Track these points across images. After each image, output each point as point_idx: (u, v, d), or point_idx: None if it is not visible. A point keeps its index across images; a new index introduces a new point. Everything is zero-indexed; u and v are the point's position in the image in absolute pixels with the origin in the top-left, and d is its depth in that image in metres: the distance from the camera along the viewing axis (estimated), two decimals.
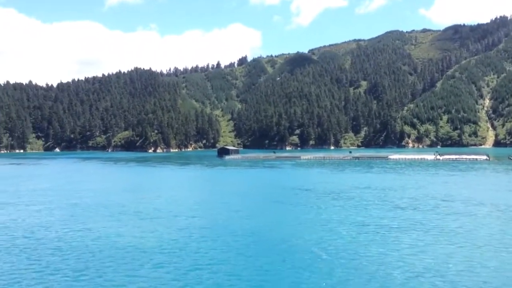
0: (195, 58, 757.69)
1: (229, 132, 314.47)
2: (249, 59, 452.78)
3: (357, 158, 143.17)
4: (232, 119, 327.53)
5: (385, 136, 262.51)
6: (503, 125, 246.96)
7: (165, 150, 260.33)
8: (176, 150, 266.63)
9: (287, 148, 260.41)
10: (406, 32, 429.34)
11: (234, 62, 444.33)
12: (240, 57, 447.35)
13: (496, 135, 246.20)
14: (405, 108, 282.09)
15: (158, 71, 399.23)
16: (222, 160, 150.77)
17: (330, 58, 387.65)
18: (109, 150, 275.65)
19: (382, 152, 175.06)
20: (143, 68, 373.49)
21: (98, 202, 53.02)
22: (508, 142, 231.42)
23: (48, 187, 71.79)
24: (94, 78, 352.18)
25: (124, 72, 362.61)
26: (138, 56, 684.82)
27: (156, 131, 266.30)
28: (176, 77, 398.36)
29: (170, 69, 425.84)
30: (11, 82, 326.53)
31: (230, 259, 28.00)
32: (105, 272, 25.72)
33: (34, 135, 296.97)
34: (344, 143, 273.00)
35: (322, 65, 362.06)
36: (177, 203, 51.77)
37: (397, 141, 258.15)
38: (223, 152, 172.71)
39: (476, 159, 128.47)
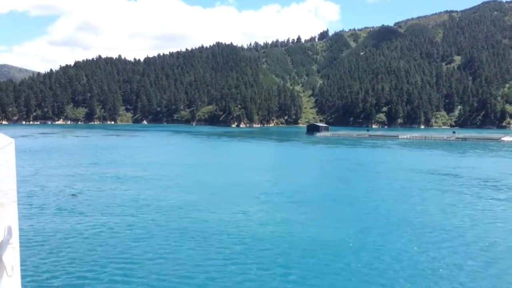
0: (273, 33, 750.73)
1: (310, 108, 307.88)
2: (324, 33, 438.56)
3: (464, 139, 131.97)
4: (313, 95, 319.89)
5: (483, 115, 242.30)
6: None
7: (248, 125, 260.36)
8: (259, 125, 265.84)
9: (374, 126, 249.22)
10: (506, 1, 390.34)
11: (315, 37, 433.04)
12: (321, 31, 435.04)
13: None
14: (507, 85, 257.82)
15: (239, 45, 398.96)
16: (315, 138, 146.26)
17: (419, 31, 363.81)
18: (193, 124, 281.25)
19: (490, 134, 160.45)
20: (225, 43, 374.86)
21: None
22: None
23: (170, 160, 71.80)
24: (178, 53, 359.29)
25: (206, 47, 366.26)
26: (219, 31, 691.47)
27: (239, 106, 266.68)
28: (256, 52, 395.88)
29: (250, 44, 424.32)
30: (103, 56, 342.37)
31: None
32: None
33: (123, 107, 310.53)
34: (436, 122, 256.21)
35: (411, 39, 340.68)
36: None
37: (497, 121, 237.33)
38: (313, 128, 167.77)
39: None
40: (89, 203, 37.57)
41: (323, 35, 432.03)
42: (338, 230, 29.85)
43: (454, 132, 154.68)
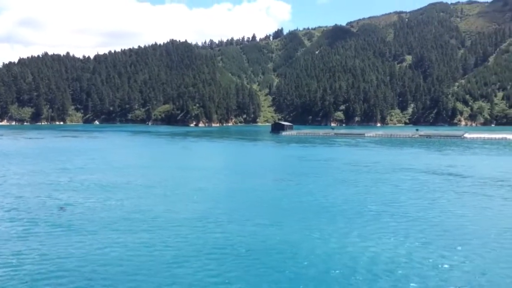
0: (225, 31, 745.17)
1: (268, 107, 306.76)
2: (278, 31, 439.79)
3: (428, 136, 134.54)
4: (270, 94, 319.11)
5: (435, 113, 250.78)
6: None
7: (207, 124, 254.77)
8: (218, 124, 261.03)
9: (332, 125, 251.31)
10: (451, 4, 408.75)
11: (269, 35, 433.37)
12: (276, 30, 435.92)
13: None
14: (456, 84, 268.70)
15: (193, 43, 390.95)
16: (282, 137, 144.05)
17: (371, 31, 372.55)
18: (149, 124, 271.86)
19: (452, 131, 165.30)
20: (179, 41, 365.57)
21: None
22: None
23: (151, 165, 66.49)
24: (130, 50, 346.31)
25: (160, 44, 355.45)
26: (170, 28, 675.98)
27: (197, 105, 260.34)
28: (211, 50, 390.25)
29: (205, 42, 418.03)
30: (49, 53, 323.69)
31: None
32: None
33: (73, 107, 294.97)
34: (391, 120, 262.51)
35: (364, 38, 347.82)
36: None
37: (448, 118, 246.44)
38: (278, 127, 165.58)
39: None
40: (86, 218, 32.51)
41: (278, 33, 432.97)
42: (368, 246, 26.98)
43: (417, 130, 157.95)
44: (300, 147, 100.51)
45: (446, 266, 23.35)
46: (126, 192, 42.68)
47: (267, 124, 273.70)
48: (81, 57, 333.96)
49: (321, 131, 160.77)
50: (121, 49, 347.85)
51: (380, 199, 40.39)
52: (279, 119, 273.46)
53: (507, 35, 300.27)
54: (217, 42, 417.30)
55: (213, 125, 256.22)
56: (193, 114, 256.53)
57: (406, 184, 48.67)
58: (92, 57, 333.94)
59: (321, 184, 48.98)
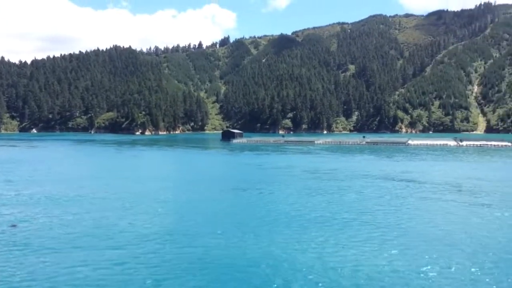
0: (169, 38, 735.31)
1: (216, 114, 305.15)
2: (225, 39, 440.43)
3: (375, 143, 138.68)
4: (218, 101, 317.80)
5: (378, 121, 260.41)
6: (493, 111, 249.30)
7: (153, 132, 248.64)
8: (165, 132, 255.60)
9: (280, 132, 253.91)
10: (390, 16, 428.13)
11: (216, 43, 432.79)
12: (223, 38, 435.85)
13: (488, 121, 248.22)
14: (397, 93, 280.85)
15: (138, 49, 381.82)
16: (233, 144, 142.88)
17: (315, 40, 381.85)
18: (92, 132, 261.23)
19: (396, 138, 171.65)
20: (123, 46, 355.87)
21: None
22: (501, 128, 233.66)
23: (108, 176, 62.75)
24: (71, 55, 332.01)
25: (102, 50, 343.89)
26: (112, 34, 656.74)
27: (143, 113, 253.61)
28: (157, 57, 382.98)
29: (150, 48, 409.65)
30: None
31: None
32: None
33: (8, 115, 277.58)
34: (336, 127, 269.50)
35: (309, 48, 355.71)
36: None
37: (390, 126, 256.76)
38: (229, 135, 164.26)
39: (501, 145, 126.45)
40: (44, 235, 29.49)
41: (224, 41, 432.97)
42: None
43: (364, 137, 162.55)
44: (255, 155, 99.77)
45: (431, 273, 23.12)
46: (82, 206, 39.61)
47: (216, 132, 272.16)
48: (17, 62, 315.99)
49: (271, 139, 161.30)
50: (61, 54, 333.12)
51: (348, 206, 40.16)
52: (227, 127, 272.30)
53: (442, 47, 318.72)
54: (162, 49, 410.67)
55: (160, 133, 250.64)
56: (139, 122, 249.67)
57: (369, 191, 49.00)
58: (29, 62, 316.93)
59: (286, 192, 48.22)
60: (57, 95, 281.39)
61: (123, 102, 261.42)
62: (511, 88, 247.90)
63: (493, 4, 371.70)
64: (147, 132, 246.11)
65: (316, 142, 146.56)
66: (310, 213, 37.36)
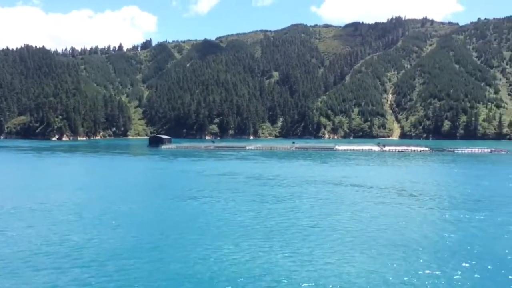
0: (85, 39, 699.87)
1: (139, 119, 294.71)
2: (147, 42, 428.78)
3: (305, 149, 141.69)
4: (141, 106, 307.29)
5: (303, 126, 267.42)
6: (407, 118, 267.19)
7: (71, 138, 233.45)
8: (84, 138, 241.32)
9: (207, 138, 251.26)
10: (310, 26, 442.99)
11: (137, 46, 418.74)
12: (145, 41, 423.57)
13: (402, 127, 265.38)
14: (320, 100, 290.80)
15: (52, 50, 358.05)
16: (162, 151, 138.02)
17: (239, 47, 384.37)
18: (1, 137, 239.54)
19: (323, 143, 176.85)
20: (35, 46, 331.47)
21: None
22: (413, 134, 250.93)
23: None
24: None
25: (12, 50, 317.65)
26: (22, 33, 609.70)
27: (60, 117, 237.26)
28: (73, 58, 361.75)
29: (66, 49, 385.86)
30: None
31: None
32: None
33: None
34: (263, 133, 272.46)
35: (234, 54, 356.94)
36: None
37: (314, 132, 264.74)
38: (157, 141, 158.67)
39: (419, 150, 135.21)
40: None
41: (147, 44, 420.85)
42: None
43: (294, 142, 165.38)
44: (191, 161, 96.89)
45: (405, 278, 23.21)
46: (23, 220, 35.07)
47: (140, 137, 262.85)
48: None
49: (202, 145, 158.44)
50: None
51: (307, 213, 39.75)
52: (151, 132, 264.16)
53: (359, 57, 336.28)
54: (79, 50, 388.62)
55: (79, 138, 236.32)
56: (55, 127, 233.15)
57: (322, 196, 49.13)
58: None
59: (240, 200, 46.72)
60: None
61: (37, 106, 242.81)
62: (422, 97, 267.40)
63: (403, 18, 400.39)
64: (64, 138, 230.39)
65: (247, 147, 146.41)
66: (270, 220, 36.44)
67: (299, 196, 49.19)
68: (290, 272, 23.81)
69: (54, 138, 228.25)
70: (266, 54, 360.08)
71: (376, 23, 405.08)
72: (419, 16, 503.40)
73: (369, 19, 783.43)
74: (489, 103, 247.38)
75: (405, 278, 23.08)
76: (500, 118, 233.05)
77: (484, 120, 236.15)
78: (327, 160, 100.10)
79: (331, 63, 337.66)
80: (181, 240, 29.83)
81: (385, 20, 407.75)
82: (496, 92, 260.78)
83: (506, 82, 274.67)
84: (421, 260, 25.76)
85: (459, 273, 23.82)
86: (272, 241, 30.02)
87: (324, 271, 24.04)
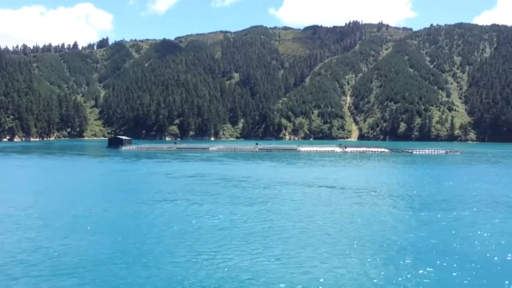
0: (37, 37, 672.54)
1: (95, 120, 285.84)
2: (103, 41, 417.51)
3: (269, 150, 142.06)
4: (97, 106, 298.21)
5: (264, 128, 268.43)
6: (364, 120, 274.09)
7: (24, 138, 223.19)
8: (38, 139, 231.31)
9: (167, 139, 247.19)
10: (270, 28, 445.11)
11: (93, 44, 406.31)
12: (101, 39, 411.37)
13: (360, 129, 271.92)
14: (280, 101, 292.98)
15: (2, 47, 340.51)
16: (123, 152, 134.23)
17: (199, 47, 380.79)
18: None
19: (286, 144, 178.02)
20: None
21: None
22: (371, 136, 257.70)
23: None
24: None
25: None
26: None
27: (11, 117, 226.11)
28: (25, 56, 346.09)
29: (17, 46, 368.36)
30: None
31: None
32: None
33: None
34: (224, 134, 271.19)
35: (193, 54, 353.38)
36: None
37: (275, 133, 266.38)
38: (117, 142, 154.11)
39: (379, 151, 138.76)
40: None
41: (103, 43, 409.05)
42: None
43: (257, 144, 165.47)
44: (156, 163, 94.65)
45: (386, 276, 23.46)
46: None
47: (96, 138, 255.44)
48: None
49: (164, 146, 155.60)
50: None
51: (284, 215, 39.49)
52: (109, 133, 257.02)
53: (318, 59, 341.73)
54: (31, 48, 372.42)
55: (32, 139, 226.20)
56: (7, 127, 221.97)
57: (296, 197, 49.11)
58: None
59: (214, 202, 45.84)
60: None
61: None
62: (379, 100, 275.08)
63: (360, 23, 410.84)
64: (16, 139, 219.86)
65: (210, 149, 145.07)
66: (248, 223, 35.98)
67: (274, 198, 48.94)
68: (275, 275, 23.50)
69: (5, 139, 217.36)
70: (227, 55, 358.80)
71: (334, 27, 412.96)
72: (375, 20, 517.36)
73: (327, 23, 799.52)
74: (442, 106, 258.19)
75: (386, 277, 23.37)
76: (452, 120, 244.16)
77: (437, 123, 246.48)
78: (292, 161, 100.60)
79: (291, 65, 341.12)
80: (159, 245, 28.84)
81: (343, 24, 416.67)
82: (448, 96, 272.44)
83: (457, 86, 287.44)
84: (402, 261, 26.18)
85: (436, 271, 24.49)
86: (253, 244, 29.55)
87: (309, 273, 23.92)
